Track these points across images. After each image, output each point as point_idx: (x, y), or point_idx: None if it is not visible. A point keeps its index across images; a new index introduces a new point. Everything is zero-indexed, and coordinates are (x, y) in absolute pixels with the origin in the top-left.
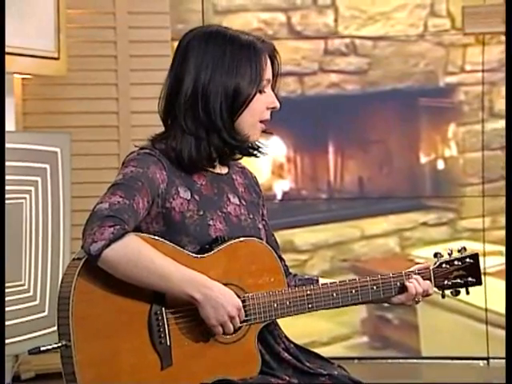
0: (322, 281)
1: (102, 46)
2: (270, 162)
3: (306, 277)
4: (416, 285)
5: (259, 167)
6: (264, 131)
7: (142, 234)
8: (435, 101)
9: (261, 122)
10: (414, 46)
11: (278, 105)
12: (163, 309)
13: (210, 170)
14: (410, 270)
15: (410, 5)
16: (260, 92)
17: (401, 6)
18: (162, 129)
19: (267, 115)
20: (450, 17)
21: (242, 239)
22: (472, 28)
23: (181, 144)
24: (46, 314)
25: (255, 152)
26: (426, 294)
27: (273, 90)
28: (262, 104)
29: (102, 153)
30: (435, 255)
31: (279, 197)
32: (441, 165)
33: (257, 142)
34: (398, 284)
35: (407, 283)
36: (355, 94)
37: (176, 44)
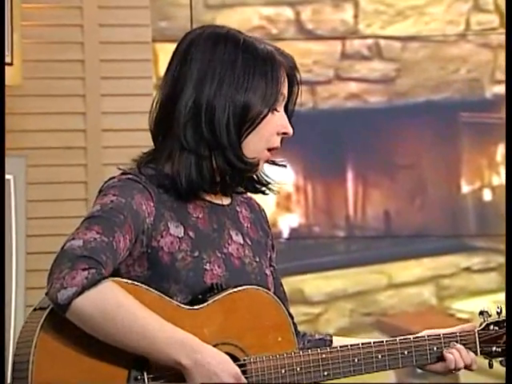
0: (337, 340)
1: (65, 49)
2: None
3: (318, 337)
4: (457, 357)
5: (261, 198)
6: (275, 163)
7: (121, 280)
8: (480, 116)
9: (268, 150)
10: (453, 47)
11: (290, 131)
12: (145, 374)
13: (209, 199)
14: (452, 330)
15: None
16: (272, 111)
17: None
18: (144, 150)
19: (277, 142)
20: (498, 12)
21: (243, 288)
22: None
23: (178, 164)
24: None
25: (263, 188)
26: (467, 369)
27: (287, 116)
28: (273, 127)
29: (66, 180)
30: (481, 313)
31: (286, 235)
32: (487, 195)
33: (265, 177)
34: (435, 349)
35: (446, 354)
36: (380, 107)
37: (158, 46)
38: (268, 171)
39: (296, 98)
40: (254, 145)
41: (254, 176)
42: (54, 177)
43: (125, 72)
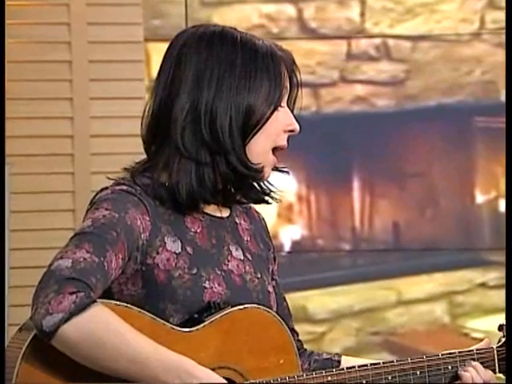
0: (346, 360)
1: (51, 49)
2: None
3: (325, 356)
4: (474, 375)
5: (261, 208)
6: (277, 169)
7: (111, 302)
8: (495, 120)
9: (274, 150)
10: (466, 47)
11: (297, 127)
12: None
13: (207, 211)
14: (467, 350)
15: None
16: (277, 108)
17: None
18: (136, 157)
19: (283, 140)
20: None
21: (241, 307)
22: None
23: (177, 173)
24: None
25: (266, 198)
26: None
27: (290, 111)
28: (279, 125)
29: (52, 190)
30: (500, 328)
31: (287, 248)
32: (504, 206)
33: (268, 185)
34: (450, 368)
35: (462, 372)
36: (388, 111)
37: (150, 45)
38: (270, 179)
39: (295, 100)
40: (260, 146)
41: (256, 184)
42: (39, 186)
43: (115, 74)
